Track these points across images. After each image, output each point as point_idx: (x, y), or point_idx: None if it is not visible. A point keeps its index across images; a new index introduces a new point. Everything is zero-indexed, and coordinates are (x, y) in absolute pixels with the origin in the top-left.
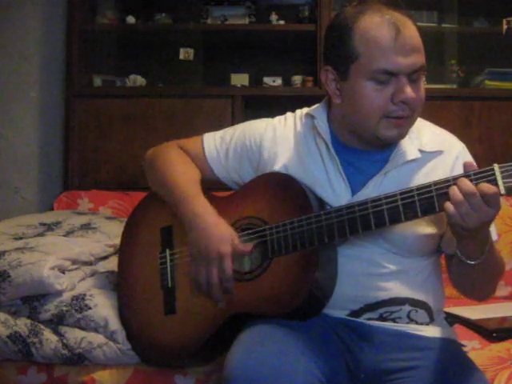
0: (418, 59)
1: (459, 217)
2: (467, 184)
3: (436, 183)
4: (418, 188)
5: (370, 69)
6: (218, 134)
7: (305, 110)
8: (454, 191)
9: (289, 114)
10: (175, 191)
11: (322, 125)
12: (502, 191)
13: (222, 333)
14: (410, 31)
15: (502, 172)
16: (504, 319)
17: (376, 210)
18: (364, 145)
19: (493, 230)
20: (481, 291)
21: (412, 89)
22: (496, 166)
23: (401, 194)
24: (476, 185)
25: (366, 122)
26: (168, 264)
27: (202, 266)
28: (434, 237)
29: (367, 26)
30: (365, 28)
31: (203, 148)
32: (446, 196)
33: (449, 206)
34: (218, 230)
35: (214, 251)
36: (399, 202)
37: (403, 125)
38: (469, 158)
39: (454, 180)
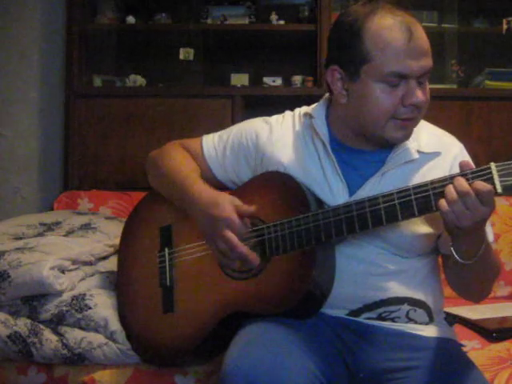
0: (428, 62)
1: (453, 215)
2: (462, 183)
3: (433, 182)
4: (415, 187)
5: (383, 72)
6: (217, 134)
7: (304, 108)
8: (450, 189)
9: (287, 113)
10: (176, 180)
11: (320, 124)
12: (499, 190)
13: (220, 331)
14: (421, 33)
15: (498, 171)
16: (504, 319)
17: (373, 209)
18: (364, 144)
19: (489, 231)
20: (476, 292)
21: (421, 91)
22: (493, 165)
23: (398, 192)
24: (471, 184)
25: (373, 124)
26: (167, 263)
27: (213, 244)
28: (431, 236)
29: (380, 27)
30: (377, 30)
31: (202, 148)
32: (442, 195)
33: (443, 204)
34: (217, 203)
35: (218, 225)
36: (396, 201)
37: (410, 126)
38: (467, 158)
39: (450, 179)
